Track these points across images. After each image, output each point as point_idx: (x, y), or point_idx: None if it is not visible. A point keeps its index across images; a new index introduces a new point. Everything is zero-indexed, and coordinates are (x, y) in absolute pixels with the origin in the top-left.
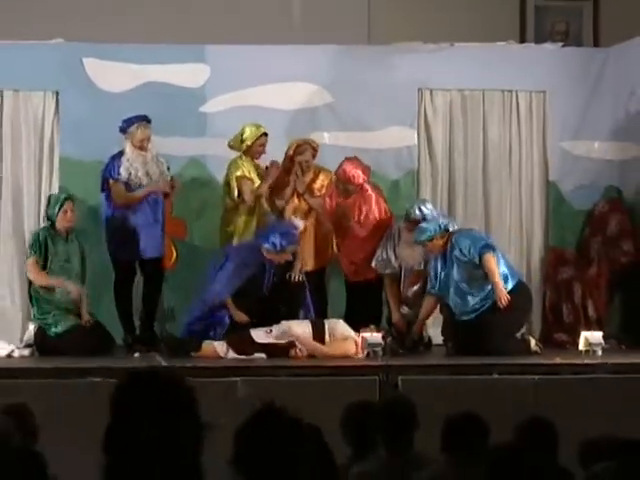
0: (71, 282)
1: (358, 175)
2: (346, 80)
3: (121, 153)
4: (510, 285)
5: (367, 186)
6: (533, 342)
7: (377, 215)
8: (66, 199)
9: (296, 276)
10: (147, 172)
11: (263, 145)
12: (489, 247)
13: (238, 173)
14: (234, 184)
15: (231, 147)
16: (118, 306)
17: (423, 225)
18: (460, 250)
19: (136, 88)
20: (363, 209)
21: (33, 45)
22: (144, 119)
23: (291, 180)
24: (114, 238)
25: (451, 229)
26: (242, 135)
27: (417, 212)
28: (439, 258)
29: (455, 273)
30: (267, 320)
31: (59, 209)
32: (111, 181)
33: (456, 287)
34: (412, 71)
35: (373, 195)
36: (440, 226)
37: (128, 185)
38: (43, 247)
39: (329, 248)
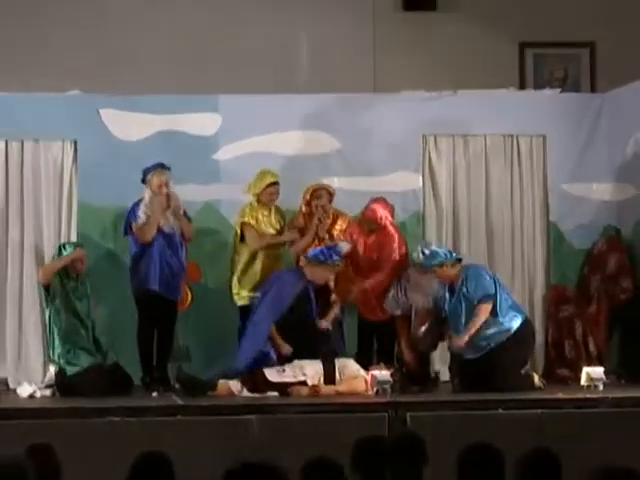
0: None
1: (385, 216)
2: (353, 127)
3: (142, 199)
4: (517, 323)
5: (390, 227)
6: (537, 378)
7: (397, 256)
8: (77, 246)
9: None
10: (166, 215)
11: (272, 193)
12: (489, 297)
13: (244, 219)
14: (238, 229)
15: (246, 193)
16: (140, 345)
17: (435, 249)
18: (467, 288)
19: (151, 137)
20: (385, 249)
21: (51, 97)
22: (160, 166)
23: (313, 225)
24: (136, 276)
25: (463, 261)
26: (252, 183)
27: (420, 256)
28: (446, 290)
29: (463, 308)
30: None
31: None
32: (133, 224)
33: (463, 324)
34: (416, 118)
35: (396, 236)
36: (452, 254)
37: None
38: (58, 287)
39: (347, 286)
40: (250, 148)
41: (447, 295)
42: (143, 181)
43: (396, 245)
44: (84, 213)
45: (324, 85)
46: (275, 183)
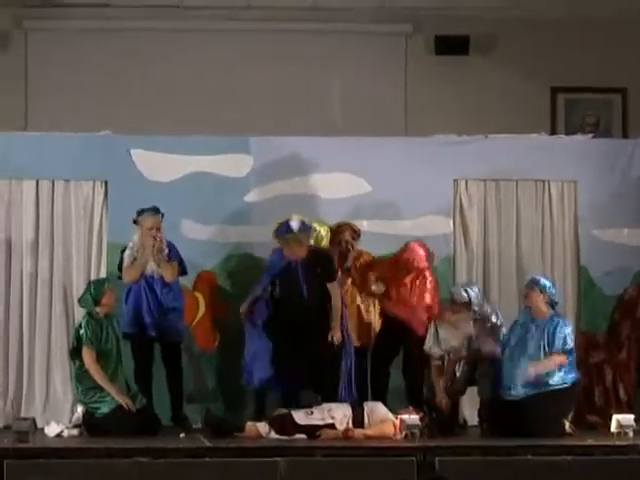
0: (123, 394)
1: (421, 258)
2: (384, 170)
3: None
4: (572, 378)
5: (427, 272)
6: (567, 424)
7: (430, 301)
8: (108, 285)
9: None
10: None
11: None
12: (569, 352)
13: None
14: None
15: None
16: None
17: (547, 280)
18: (554, 331)
19: (182, 178)
20: (420, 293)
21: (83, 137)
22: (154, 210)
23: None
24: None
25: (556, 307)
26: (319, 235)
27: (463, 294)
28: (521, 321)
29: (530, 345)
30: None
31: (102, 294)
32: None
33: (521, 357)
34: (448, 162)
35: (431, 282)
36: (555, 297)
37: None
38: (94, 335)
39: (373, 329)
40: (281, 190)
41: (519, 325)
42: (135, 222)
43: (430, 290)
44: (113, 253)
45: (356, 128)
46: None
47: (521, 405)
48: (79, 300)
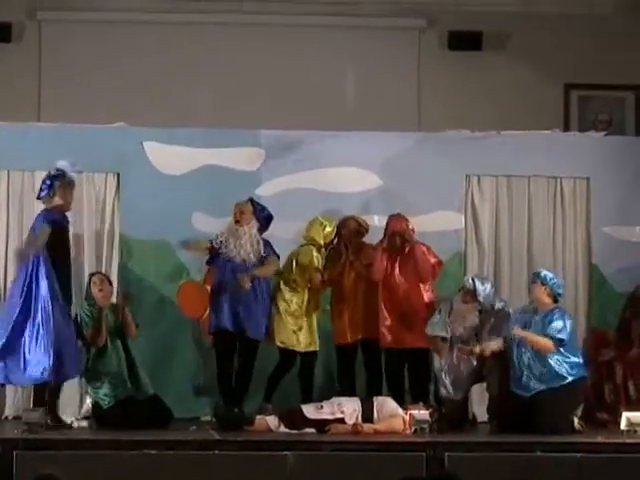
0: None
1: (408, 227)
2: (396, 165)
3: None
4: (576, 375)
5: (416, 239)
6: (576, 421)
7: (434, 261)
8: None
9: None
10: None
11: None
12: (559, 341)
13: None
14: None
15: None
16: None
17: (552, 274)
18: (551, 320)
19: (194, 171)
20: (420, 262)
21: (96, 129)
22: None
23: (342, 253)
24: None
25: (561, 300)
26: (323, 230)
27: (470, 281)
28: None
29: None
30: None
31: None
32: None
33: (522, 349)
34: (460, 157)
35: (424, 247)
36: (560, 290)
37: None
38: (96, 320)
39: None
40: (292, 184)
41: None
42: None
43: (428, 255)
44: (125, 245)
45: (368, 123)
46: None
47: (529, 400)
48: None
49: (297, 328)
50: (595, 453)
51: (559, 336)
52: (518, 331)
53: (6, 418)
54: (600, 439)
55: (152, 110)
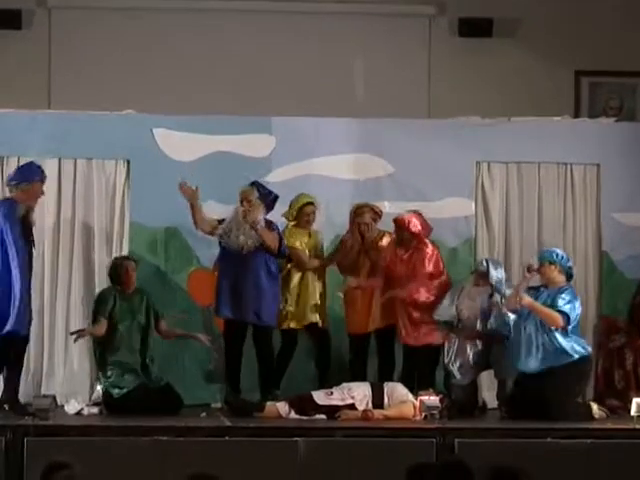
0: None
1: (415, 224)
2: (407, 152)
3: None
4: (580, 354)
5: (424, 240)
6: (595, 407)
7: (431, 268)
8: (128, 260)
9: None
10: (238, 235)
11: (309, 214)
12: (565, 315)
13: (289, 244)
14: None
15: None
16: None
17: (557, 250)
18: (557, 294)
19: (204, 157)
20: (419, 262)
21: (106, 116)
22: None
23: (354, 242)
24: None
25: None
26: (289, 205)
27: (484, 263)
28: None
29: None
30: None
31: (124, 271)
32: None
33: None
34: (470, 144)
35: (429, 248)
36: (569, 263)
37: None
38: (109, 306)
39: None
40: (303, 171)
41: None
42: None
43: (430, 257)
44: (135, 232)
45: (378, 109)
46: (310, 203)
47: (534, 378)
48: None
49: None
50: (605, 439)
51: (567, 311)
52: (526, 299)
53: None
54: (610, 425)
55: (162, 97)
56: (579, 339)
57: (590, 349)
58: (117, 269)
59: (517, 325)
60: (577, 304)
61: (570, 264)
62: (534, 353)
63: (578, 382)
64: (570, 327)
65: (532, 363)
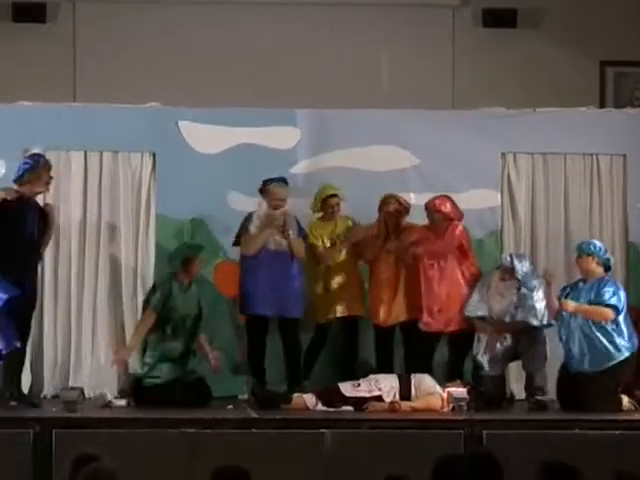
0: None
1: (445, 204)
2: (432, 143)
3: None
4: (632, 349)
5: (457, 223)
6: (625, 399)
7: (456, 243)
8: (200, 251)
9: None
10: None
11: (332, 205)
12: (617, 310)
13: (309, 242)
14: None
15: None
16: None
17: (595, 241)
18: (599, 286)
19: (229, 150)
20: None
21: (131, 108)
22: (282, 180)
23: (379, 231)
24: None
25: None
26: (314, 197)
27: (508, 259)
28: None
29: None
30: None
31: (192, 259)
32: (242, 237)
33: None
34: (495, 135)
35: (459, 228)
36: (607, 254)
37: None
38: (164, 299)
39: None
40: (327, 163)
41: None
42: (261, 191)
43: (458, 234)
44: (161, 225)
45: (403, 101)
46: (334, 195)
47: (580, 377)
48: (170, 255)
49: None
50: (634, 430)
51: (615, 303)
52: (570, 305)
53: (45, 397)
54: (639, 416)
55: (187, 89)
56: (629, 330)
57: (637, 340)
58: (184, 255)
59: (564, 322)
60: (621, 293)
61: (608, 255)
62: (584, 350)
63: (619, 379)
64: (621, 317)
65: (583, 360)
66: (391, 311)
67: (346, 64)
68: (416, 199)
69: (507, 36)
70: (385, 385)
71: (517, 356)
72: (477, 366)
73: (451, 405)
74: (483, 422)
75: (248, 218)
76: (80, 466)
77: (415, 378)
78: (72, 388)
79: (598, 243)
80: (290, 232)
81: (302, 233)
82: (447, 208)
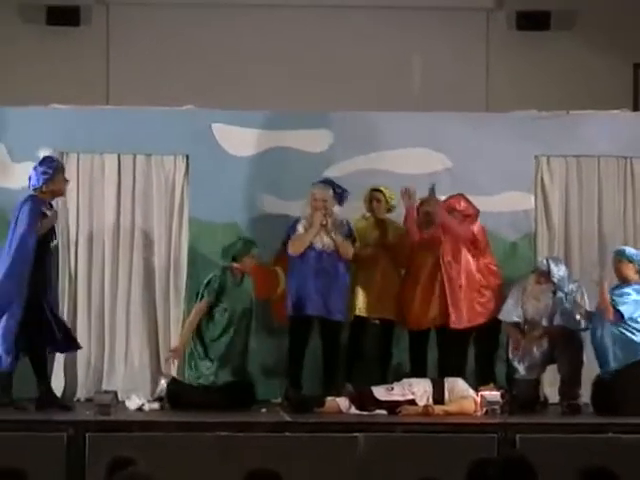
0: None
1: (459, 202)
2: (465, 146)
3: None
4: None
5: (473, 219)
6: None
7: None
8: (254, 246)
9: None
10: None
11: (372, 200)
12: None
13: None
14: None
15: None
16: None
17: (629, 248)
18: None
19: (263, 153)
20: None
21: (165, 111)
22: (324, 182)
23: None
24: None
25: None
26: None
27: (544, 262)
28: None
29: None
30: None
31: (245, 254)
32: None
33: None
34: (529, 138)
35: (477, 225)
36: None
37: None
38: (218, 291)
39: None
40: (361, 165)
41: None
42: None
43: (473, 227)
44: (195, 228)
45: (436, 103)
46: (375, 190)
47: (611, 380)
48: (224, 249)
49: None
50: None
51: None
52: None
53: (78, 400)
54: None
55: (221, 92)
56: None
57: None
58: (239, 250)
59: (602, 325)
60: None
61: None
62: (618, 352)
63: None
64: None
65: (610, 365)
66: (425, 314)
67: (380, 67)
68: None
69: (541, 38)
70: (418, 389)
71: (553, 360)
72: (511, 369)
73: (484, 409)
74: (516, 426)
75: (298, 219)
76: (116, 470)
77: (448, 382)
78: (105, 392)
79: (636, 251)
80: (333, 233)
81: (352, 235)
82: (461, 205)
